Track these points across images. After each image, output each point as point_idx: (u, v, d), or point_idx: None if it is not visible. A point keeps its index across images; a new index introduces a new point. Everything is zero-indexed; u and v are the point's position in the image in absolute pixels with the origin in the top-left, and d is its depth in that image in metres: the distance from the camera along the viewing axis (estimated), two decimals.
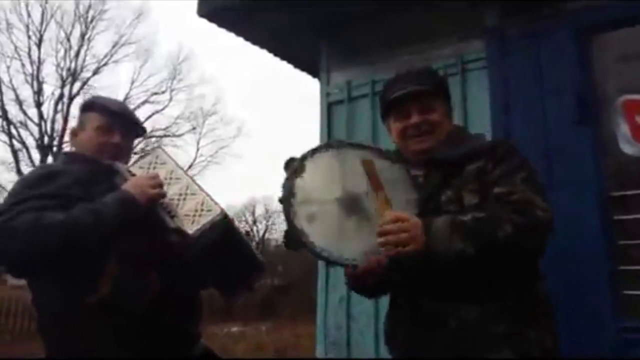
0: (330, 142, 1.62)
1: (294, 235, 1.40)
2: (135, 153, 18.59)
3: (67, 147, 18.54)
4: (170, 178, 1.72)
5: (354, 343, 3.17)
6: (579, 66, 2.55)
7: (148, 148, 19.17)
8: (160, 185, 1.65)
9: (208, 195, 1.69)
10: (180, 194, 1.68)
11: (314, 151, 1.55)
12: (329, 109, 3.49)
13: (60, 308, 1.55)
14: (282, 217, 1.47)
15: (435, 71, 1.82)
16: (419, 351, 1.46)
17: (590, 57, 2.58)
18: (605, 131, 2.47)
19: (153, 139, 19.31)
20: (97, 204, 1.55)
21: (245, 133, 45.85)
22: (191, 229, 1.60)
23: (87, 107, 1.89)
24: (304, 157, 1.53)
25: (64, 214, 1.49)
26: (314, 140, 3.64)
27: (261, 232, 26.01)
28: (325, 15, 3.35)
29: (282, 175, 1.51)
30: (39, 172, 1.69)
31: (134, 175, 1.69)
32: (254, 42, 3.81)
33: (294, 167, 1.48)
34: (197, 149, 20.96)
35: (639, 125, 2.38)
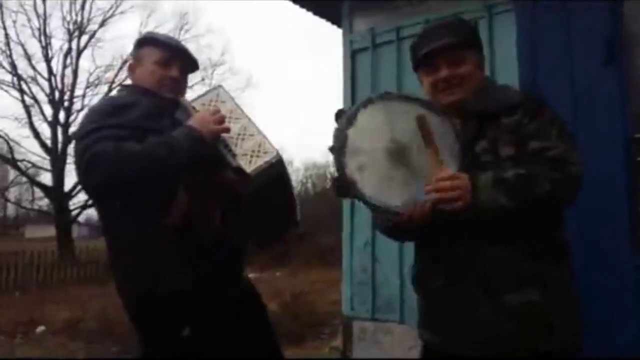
0: (381, 94, 1.62)
1: (344, 184, 1.46)
2: None
3: (77, 102, 18.59)
4: (230, 117, 1.75)
5: (379, 284, 3.31)
6: (607, 8, 2.54)
7: None
8: (223, 122, 1.70)
9: (265, 137, 1.73)
10: (239, 134, 1.72)
11: (366, 103, 1.58)
12: (352, 57, 3.49)
13: (135, 233, 1.63)
14: (333, 166, 1.53)
15: (465, 21, 1.81)
16: (450, 294, 1.55)
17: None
18: (631, 73, 2.49)
19: None
20: (170, 138, 1.61)
21: (255, 84, 45.31)
22: (249, 168, 1.65)
23: (144, 42, 1.92)
24: (357, 109, 1.56)
25: (140, 146, 1.56)
26: (335, 90, 3.67)
27: None
28: None
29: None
30: (113, 102, 1.75)
31: (197, 110, 1.73)
32: None
33: (346, 118, 1.52)
34: None
35: None
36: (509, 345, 1.47)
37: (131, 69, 1.92)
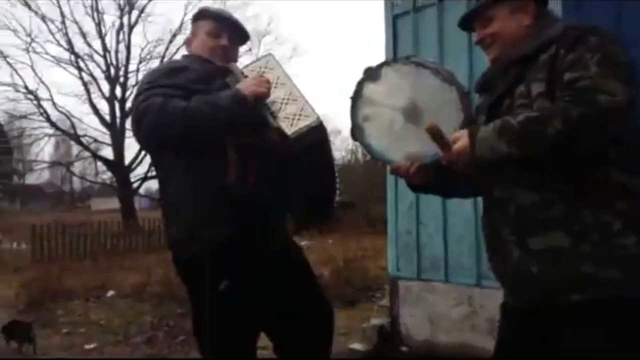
0: (405, 56, 1.70)
1: (353, 130, 1.63)
2: None
3: (132, 77, 19.19)
4: (277, 83, 1.87)
5: (423, 245, 3.41)
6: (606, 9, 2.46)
7: None
8: (268, 86, 1.83)
9: (307, 102, 1.84)
10: (284, 98, 1.84)
11: (389, 63, 1.68)
12: (393, 21, 3.51)
13: (191, 197, 1.80)
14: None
15: None
16: (492, 239, 1.59)
17: None
18: None
19: None
20: (215, 97, 1.77)
21: (301, 53, 45.15)
22: (290, 130, 1.78)
23: (197, 17, 2.10)
24: (382, 65, 1.65)
25: (186, 103, 1.73)
26: (378, 55, 3.70)
27: None
28: None
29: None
30: (168, 66, 1.99)
31: (246, 76, 1.89)
32: None
33: (369, 73, 1.63)
34: None
35: None
36: (536, 291, 1.45)
37: (188, 43, 2.09)
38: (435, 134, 1.47)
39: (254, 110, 1.80)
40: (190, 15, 20.27)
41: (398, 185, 3.52)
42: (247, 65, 1.98)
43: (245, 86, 1.81)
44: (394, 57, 1.72)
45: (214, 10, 2.14)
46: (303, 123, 1.80)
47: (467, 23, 1.67)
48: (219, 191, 1.76)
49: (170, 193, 1.89)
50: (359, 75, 1.65)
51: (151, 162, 2.06)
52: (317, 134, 1.85)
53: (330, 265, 7.83)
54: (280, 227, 2.01)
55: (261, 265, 1.82)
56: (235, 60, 2.08)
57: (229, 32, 2.03)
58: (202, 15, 2.09)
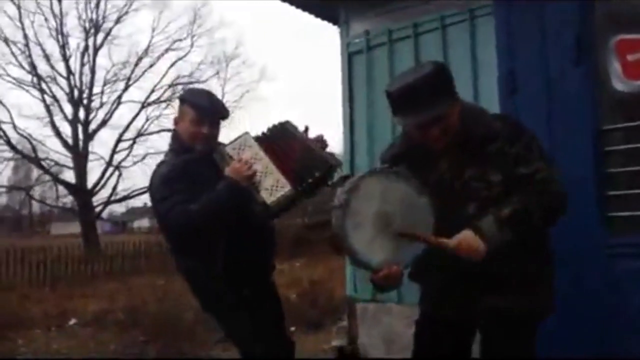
0: (376, 168, 1.94)
1: (339, 237, 1.72)
2: (165, 101, 18.65)
3: (96, 99, 19.02)
4: (255, 158, 2.19)
5: None
6: (578, 8, 2.75)
7: (175, 95, 19.54)
8: (253, 170, 2.16)
9: (281, 175, 2.15)
10: (262, 172, 2.17)
11: (366, 175, 1.80)
12: (349, 58, 3.75)
13: (202, 278, 2.32)
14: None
15: (438, 74, 1.78)
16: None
17: (589, 1, 2.76)
18: (601, 69, 2.70)
19: (179, 87, 19.55)
20: (215, 194, 2.15)
21: (269, 76, 45.52)
22: (269, 200, 2.12)
23: (184, 101, 2.40)
24: (360, 179, 1.77)
25: (199, 204, 2.12)
26: (335, 87, 3.91)
27: None
28: None
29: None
30: (172, 174, 2.24)
31: (232, 158, 2.22)
32: None
33: (351, 184, 1.75)
34: (222, 95, 21.15)
35: (630, 63, 2.61)
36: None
37: (175, 122, 2.40)
38: (407, 236, 1.71)
39: (245, 191, 2.15)
40: (157, 39, 20.40)
41: None
42: (229, 143, 2.27)
43: (235, 173, 2.17)
44: (370, 170, 1.86)
45: (195, 99, 2.38)
46: (279, 193, 2.13)
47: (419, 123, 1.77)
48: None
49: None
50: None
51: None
52: (292, 198, 2.17)
53: (296, 288, 7.94)
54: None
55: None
56: (216, 139, 2.39)
57: (209, 119, 2.33)
58: (187, 101, 2.37)
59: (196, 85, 19.16)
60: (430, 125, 1.75)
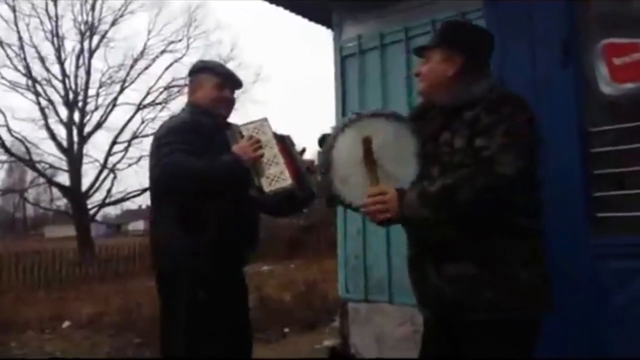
0: (353, 116, 1.85)
1: (333, 197, 1.77)
2: (161, 103, 18.49)
3: (91, 101, 19.02)
4: (266, 145, 2.19)
5: (369, 268, 3.63)
6: (565, 13, 2.80)
7: (171, 98, 19.57)
8: (261, 152, 2.16)
9: (286, 168, 2.14)
10: (268, 160, 2.16)
11: (342, 127, 1.81)
12: (342, 62, 3.79)
13: (179, 237, 2.20)
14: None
15: (445, 25, 1.95)
16: (414, 262, 1.83)
17: (576, 4, 2.81)
18: (587, 72, 2.75)
19: (175, 89, 19.57)
20: (219, 162, 2.13)
21: (264, 78, 45.57)
22: (268, 188, 2.12)
23: (200, 70, 2.42)
24: (335, 134, 1.79)
25: (200, 163, 2.08)
26: (329, 89, 3.95)
27: None
28: None
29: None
30: (182, 125, 2.24)
31: (242, 136, 2.22)
32: (271, 2, 4.07)
33: (327, 142, 1.79)
34: None
35: (616, 66, 2.66)
36: (449, 309, 1.73)
37: (191, 91, 2.41)
38: (367, 149, 1.69)
39: (248, 170, 2.15)
40: (153, 41, 20.38)
41: (347, 211, 3.74)
42: (246, 124, 2.28)
43: (243, 152, 2.16)
44: (342, 122, 1.85)
45: (217, 65, 2.49)
46: (279, 185, 2.12)
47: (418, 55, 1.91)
48: (201, 233, 2.17)
49: (161, 231, 2.29)
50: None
51: (152, 200, 2.40)
52: (290, 192, 2.15)
53: (291, 290, 7.97)
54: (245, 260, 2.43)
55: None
56: (232, 106, 2.45)
57: (230, 85, 2.40)
58: (205, 69, 2.42)
59: None
60: (423, 60, 1.84)
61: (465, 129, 1.69)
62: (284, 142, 2.29)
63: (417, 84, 1.90)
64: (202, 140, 2.17)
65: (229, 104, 2.41)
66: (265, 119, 2.29)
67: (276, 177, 2.12)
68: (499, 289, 1.65)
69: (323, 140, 1.84)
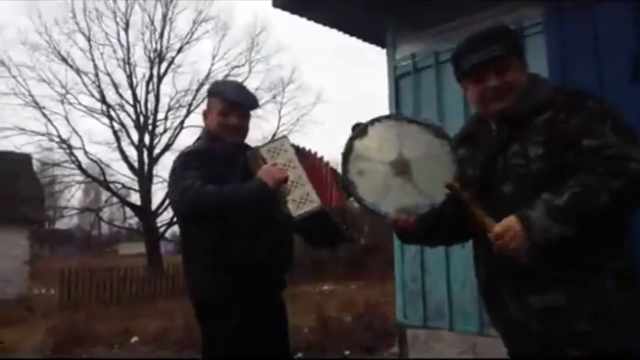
0: (393, 114, 1.81)
1: (345, 185, 1.71)
2: None
3: (160, 125, 19.92)
4: (289, 165, 2.08)
5: (428, 292, 3.51)
6: (633, 26, 2.64)
7: None
8: (286, 175, 2.05)
9: (312, 188, 2.03)
10: (293, 181, 2.05)
11: (377, 120, 1.73)
12: (396, 81, 3.75)
13: (209, 257, 2.13)
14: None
15: (505, 28, 1.75)
16: (489, 291, 1.65)
17: None
18: None
19: None
20: (245, 186, 2.04)
21: (324, 99, 46.02)
22: (295, 212, 2.00)
23: (211, 93, 2.35)
24: (368, 124, 1.72)
25: (218, 188, 1.99)
26: (384, 108, 3.92)
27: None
28: None
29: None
30: (195, 154, 2.19)
31: (264, 159, 2.12)
32: (325, 24, 4.12)
33: (358, 130, 1.74)
34: (279, 118, 21.59)
35: None
36: (536, 346, 1.53)
37: (204, 115, 2.33)
38: (457, 193, 1.56)
39: (273, 195, 2.04)
40: (217, 66, 21.12)
41: None
42: (265, 144, 2.20)
43: (268, 176, 2.04)
44: (378, 116, 1.79)
45: (222, 88, 2.35)
46: (307, 208, 2.00)
47: (476, 68, 1.63)
48: (228, 263, 2.11)
49: (189, 264, 2.25)
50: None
51: (179, 227, 2.37)
52: (319, 214, 2.01)
53: (351, 311, 7.88)
54: (280, 283, 2.32)
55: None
56: (246, 132, 2.33)
57: (238, 110, 2.25)
58: (214, 93, 2.33)
59: (254, 111, 19.57)
60: (487, 71, 1.61)
61: (539, 135, 1.52)
62: (309, 158, 2.16)
63: (495, 101, 1.64)
64: (219, 166, 2.11)
65: (237, 130, 2.26)
66: (286, 137, 2.21)
67: (303, 199, 2.01)
68: (592, 319, 1.45)
69: (355, 128, 1.76)
